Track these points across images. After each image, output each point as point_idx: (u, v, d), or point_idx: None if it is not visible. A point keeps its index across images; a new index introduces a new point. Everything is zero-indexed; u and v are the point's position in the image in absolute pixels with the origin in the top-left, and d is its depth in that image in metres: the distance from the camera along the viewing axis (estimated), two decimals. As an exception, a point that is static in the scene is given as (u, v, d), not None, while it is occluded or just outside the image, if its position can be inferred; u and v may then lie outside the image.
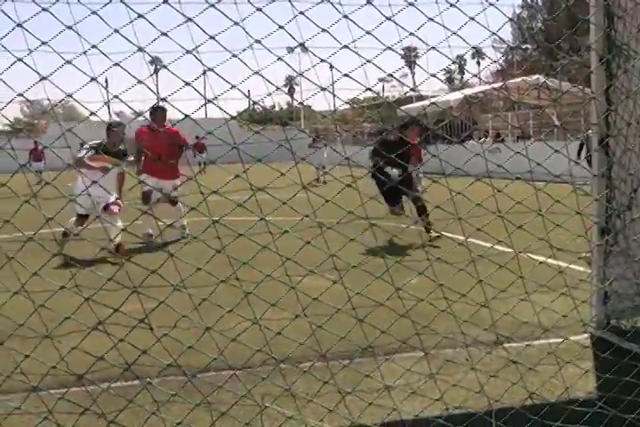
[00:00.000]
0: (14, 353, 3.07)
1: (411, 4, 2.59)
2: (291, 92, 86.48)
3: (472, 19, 2.67)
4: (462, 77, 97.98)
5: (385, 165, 10.22)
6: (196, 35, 2.61)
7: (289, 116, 72.15)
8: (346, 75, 2.44)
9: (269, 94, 2.48)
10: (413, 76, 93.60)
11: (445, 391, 3.74)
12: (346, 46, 2.33)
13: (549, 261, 3.97)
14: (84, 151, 9.49)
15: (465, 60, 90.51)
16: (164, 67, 2.54)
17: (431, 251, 3.36)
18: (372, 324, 3.55)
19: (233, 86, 2.46)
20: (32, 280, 2.85)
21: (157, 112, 10.97)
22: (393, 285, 3.37)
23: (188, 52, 2.43)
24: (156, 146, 10.69)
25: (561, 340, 4.30)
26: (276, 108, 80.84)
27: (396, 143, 10.38)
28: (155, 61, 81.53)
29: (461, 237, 3.53)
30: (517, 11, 62.71)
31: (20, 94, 2.56)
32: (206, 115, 55.74)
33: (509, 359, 4.17)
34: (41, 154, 29.59)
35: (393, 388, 3.70)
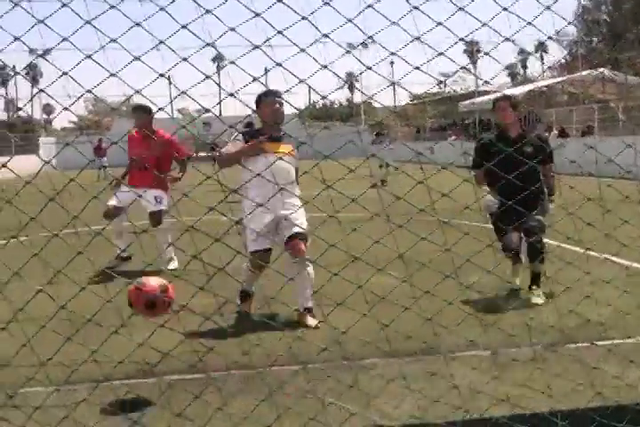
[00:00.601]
0: (82, 346, 3.12)
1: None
2: (351, 89, 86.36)
3: (548, 8, 2.60)
4: (525, 72, 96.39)
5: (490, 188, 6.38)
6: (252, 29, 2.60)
7: (349, 112, 72.16)
8: (417, 68, 2.39)
9: (339, 88, 2.46)
10: (476, 71, 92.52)
11: (510, 391, 3.66)
12: (417, 38, 2.28)
13: (615, 259, 3.87)
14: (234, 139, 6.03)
15: (528, 54, 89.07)
16: (233, 63, 2.54)
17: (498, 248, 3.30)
18: (437, 322, 3.51)
19: (301, 81, 2.45)
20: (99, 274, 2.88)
21: (137, 113, 8.60)
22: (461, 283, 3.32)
23: (255, 47, 2.42)
24: (145, 155, 8.36)
25: (627, 340, 4.19)
26: (336, 105, 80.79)
27: (502, 142, 6.20)
28: (217, 58, 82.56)
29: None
30: (583, 1, 61.41)
31: (89, 91, 2.59)
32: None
33: (575, 359, 4.07)
34: (104, 151, 30.26)
35: (458, 386, 3.65)
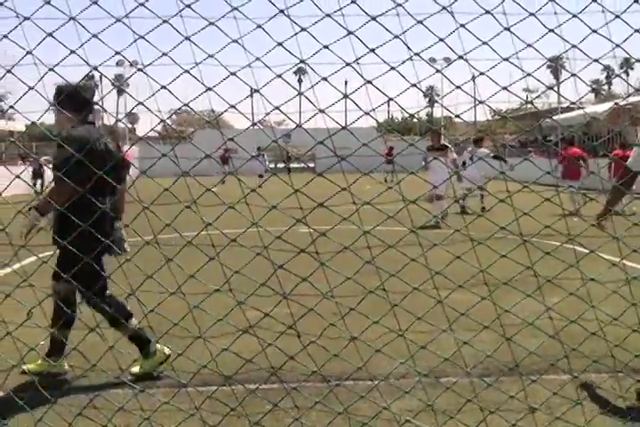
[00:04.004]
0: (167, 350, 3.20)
1: (575, 16, 2.53)
2: (431, 103, 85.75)
3: (637, 31, 2.57)
4: (610, 88, 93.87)
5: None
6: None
7: (429, 126, 71.58)
8: (504, 88, 2.40)
9: (429, 106, 2.48)
10: (559, 87, 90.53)
11: (591, 420, 3.57)
12: (506, 59, 2.29)
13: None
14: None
15: (613, 71, 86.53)
16: (324, 79, 2.58)
17: (584, 270, 3.24)
18: (517, 343, 3.46)
19: (390, 99, 2.48)
20: (188, 282, 2.95)
21: None
22: (544, 304, 3.27)
23: (347, 64, 2.46)
24: None
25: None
26: (416, 119, 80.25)
27: None
28: (300, 71, 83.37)
29: (614, 258, 3.39)
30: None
31: (186, 104, 2.68)
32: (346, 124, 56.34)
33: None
34: (228, 158, 31.37)
35: (537, 410, 3.58)
